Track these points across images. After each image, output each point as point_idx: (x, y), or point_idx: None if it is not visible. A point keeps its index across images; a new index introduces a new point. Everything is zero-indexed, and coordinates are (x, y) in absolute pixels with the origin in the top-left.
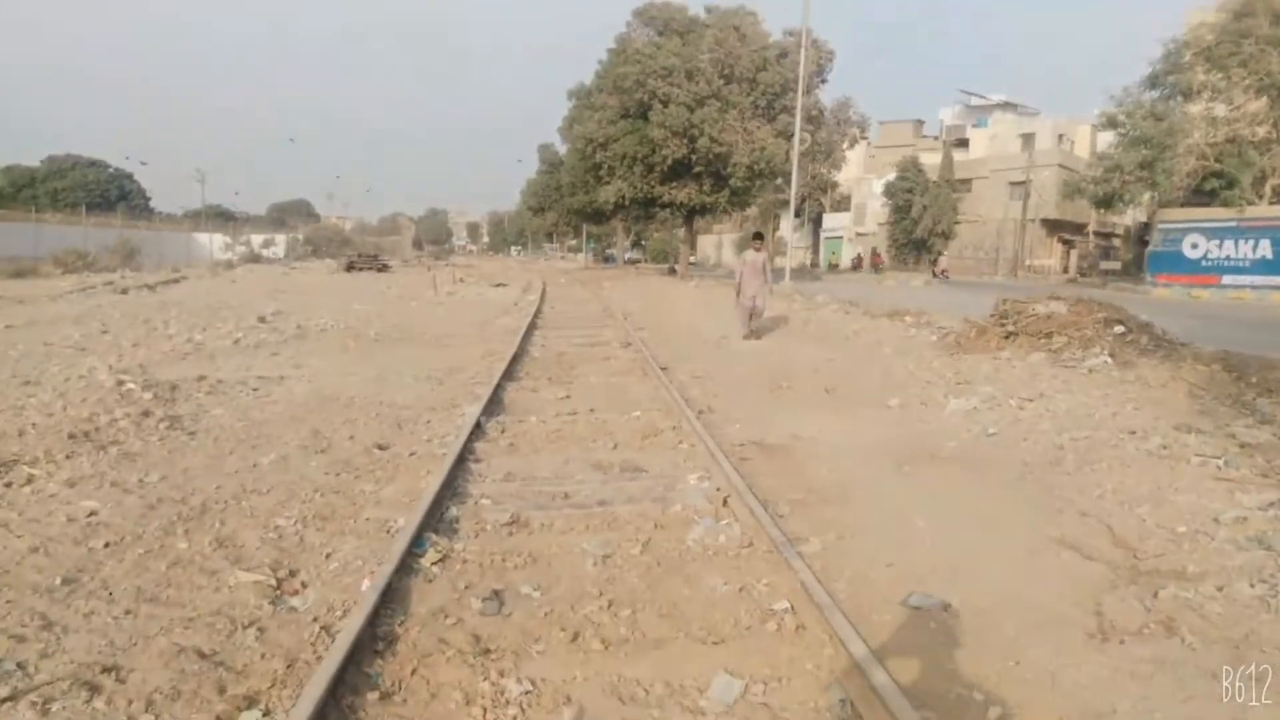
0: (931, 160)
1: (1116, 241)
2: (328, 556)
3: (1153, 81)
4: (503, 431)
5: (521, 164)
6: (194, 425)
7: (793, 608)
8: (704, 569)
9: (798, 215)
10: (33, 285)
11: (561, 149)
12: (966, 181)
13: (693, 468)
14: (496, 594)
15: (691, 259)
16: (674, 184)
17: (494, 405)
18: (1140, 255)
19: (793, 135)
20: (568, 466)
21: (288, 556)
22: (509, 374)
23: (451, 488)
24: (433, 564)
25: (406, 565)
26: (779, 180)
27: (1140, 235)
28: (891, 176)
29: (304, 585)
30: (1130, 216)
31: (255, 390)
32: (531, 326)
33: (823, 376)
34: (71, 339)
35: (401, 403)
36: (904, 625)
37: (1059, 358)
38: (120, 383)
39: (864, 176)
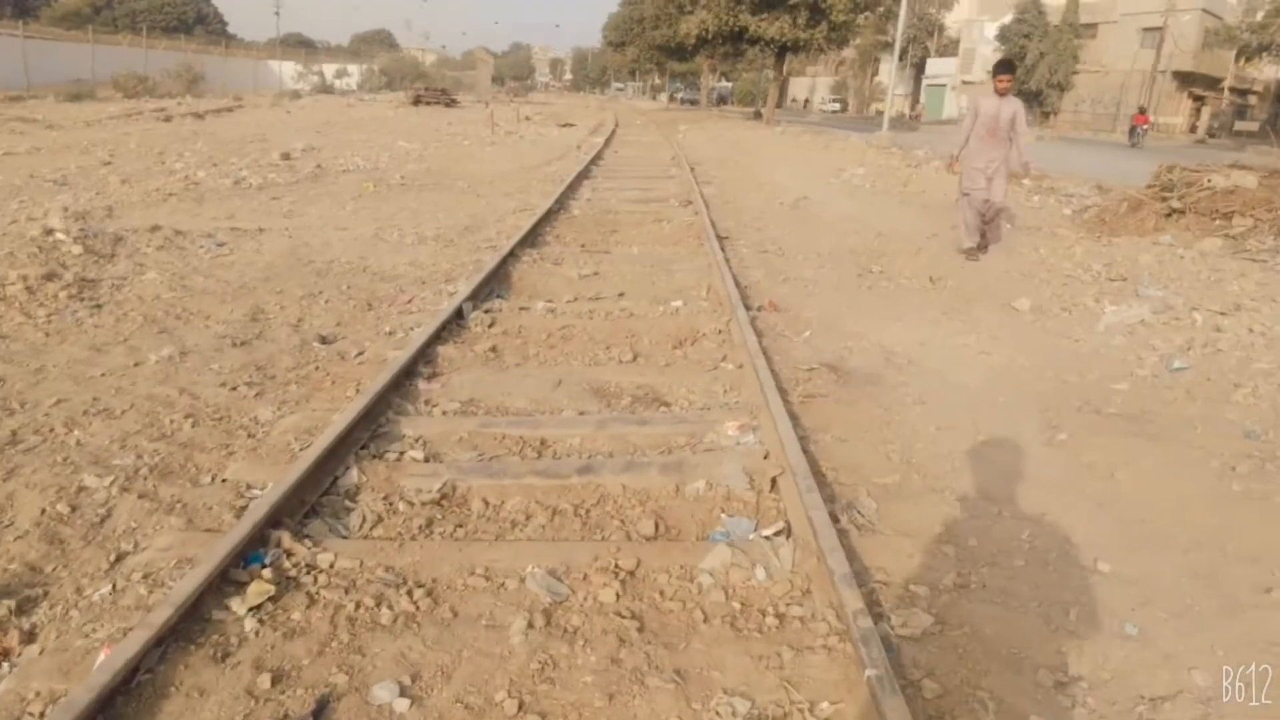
0: (1055, 2)
1: (1253, 99)
2: (92, 579)
3: None
4: (490, 325)
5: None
6: (107, 295)
7: None
8: (718, 655)
9: (900, 59)
10: (81, 108)
11: None
12: (1092, 27)
13: (734, 407)
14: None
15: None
16: (764, 16)
17: (496, 281)
18: (1277, 114)
19: None
20: (558, 392)
21: (50, 563)
22: (533, 236)
23: (374, 422)
24: (249, 611)
25: (196, 614)
26: (881, 12)
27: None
28: (1008, 19)
29: (31, 636)
30: (1270, 73)
31: (221, 246)
32: (584, 175)
33: (926, 259)
34: (64, 170)
35: (388, 270)
36: None
37: (1240, 246)
38: (49, 231)
39: (976, 19)
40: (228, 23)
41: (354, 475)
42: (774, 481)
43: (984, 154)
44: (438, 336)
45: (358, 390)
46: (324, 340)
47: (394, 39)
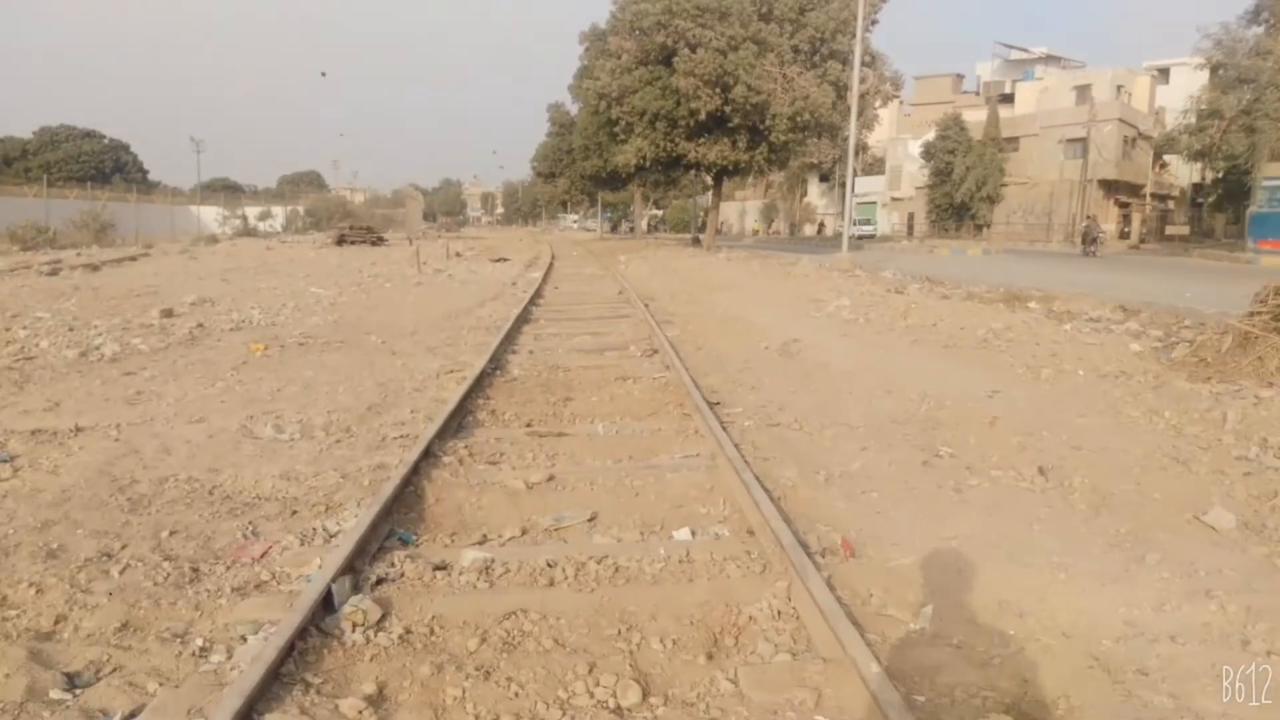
0: (974, 118)
1: (1171, 204)
2: None
3: (1256, 15)
4: (379, 626)
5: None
6: None
7: None
8: None
9: (826, 180)
10: None
11: (573, 108)
12: (1014, 140)
13: None
14: None
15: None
16: (703, 140)
17: (401, 508)
18: (1198, 218)
19: (837, 82)
20: None
21: None
22: (460, 415)
23: None
24: None
25: None
26: (817, 138)
27: (1194, 198)
28: (931, 136)
29: None
30: (1185, 177)
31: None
32: (523, 318)
33: (1006, 432)
34: None
35: (245, 491)
36: None
37: None
38: None
39: (898, 137)
40: (148, 170)
41: None
42: None
43: None
44: (275, 675)
45: None
46: (71, 684)
47: (323, 179)
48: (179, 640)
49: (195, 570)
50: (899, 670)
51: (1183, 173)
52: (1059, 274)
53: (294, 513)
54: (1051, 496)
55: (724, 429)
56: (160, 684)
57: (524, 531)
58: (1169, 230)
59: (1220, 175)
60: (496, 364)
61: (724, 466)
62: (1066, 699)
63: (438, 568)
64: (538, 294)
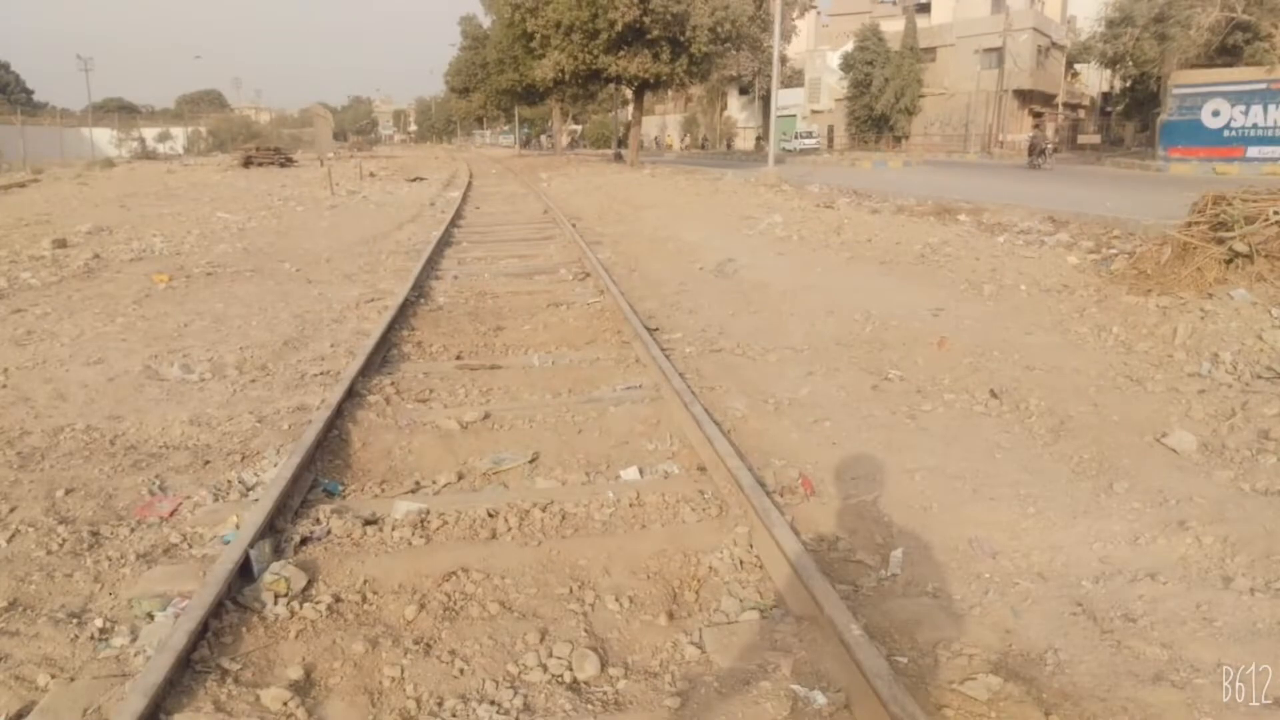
0: (892, 29)
1: (1082, 113)
2: None
3: None
4: (304, 594)
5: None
6: None
7: None
8: None
9: (745, 93)
10: None
11: (486, 20)
12: (931, 50)
13: None
14: None
15: None
16: (622, 53)
17: (324, 455)
18: (1106, 126)
19: None
20: None
21: None
22: (385, 347)
23: None
24: None
25: None
26: (736, 50)
27: (1103, 107)
28: (849, 47)
29: None
30: (1095, 87)
31: None
32: (445, 241)
33: (955, 349)
34: None
35: (152, 439)
36: None
37: None
38: None
39: (817, 49)
40: (33, 91)
41: None
42: None
43: None
44: (186, 663)
45: None
46: None
47: (224, 99)
48: (75, 621)
49: (95, 534)
50: (877, 627)
51: (1092, 81)
52: (981, 184)
53: (206, 463)
54: (1009, 421)
55: (666, 357)
56: (52, 676)
57: (460, 477)
58: (1080, 140)
59: (1129, 84)
60: (420, 291)
61: (669, 398)
62: (1055, 653)
63: (368, 522)
64: (458, 215)
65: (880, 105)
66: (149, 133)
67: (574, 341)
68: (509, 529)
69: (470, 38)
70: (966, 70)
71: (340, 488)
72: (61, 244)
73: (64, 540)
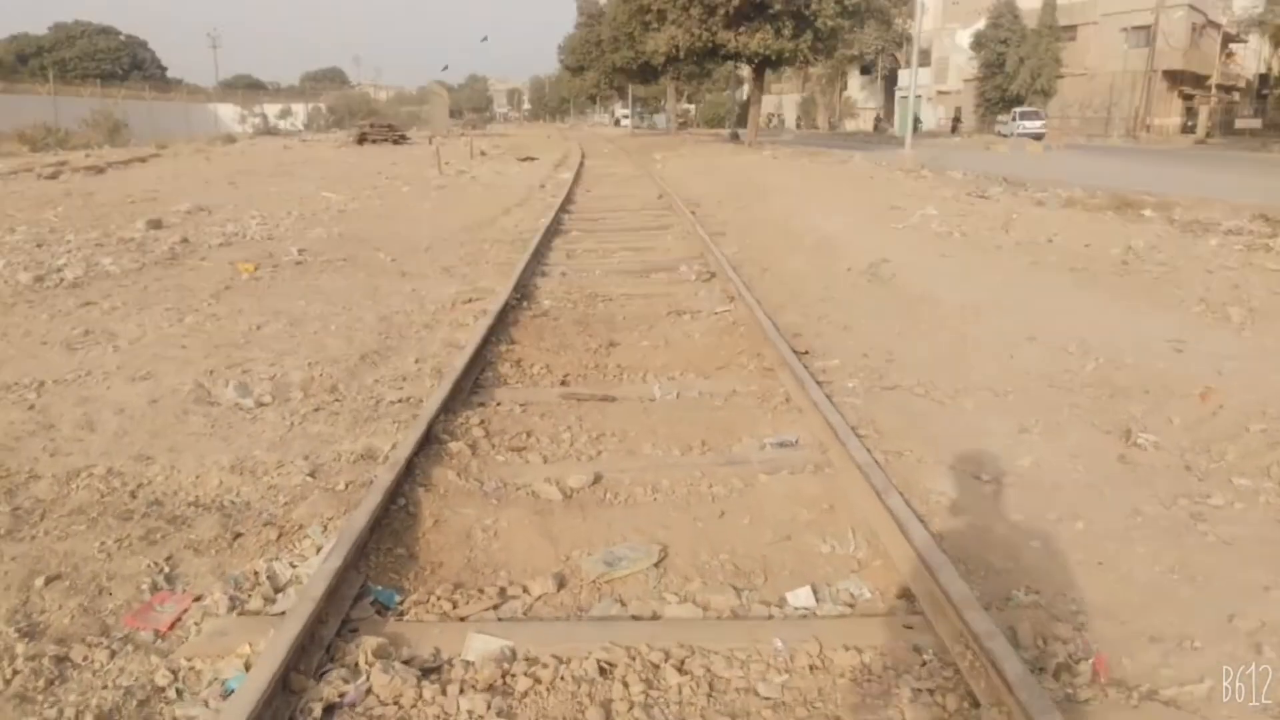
0: (1027, 6)
1: (1236, 95)
2: None
3: None
4: None
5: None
6: None
7: None
8: None
9: (867, 72)
10: None
11: None
12: (1071, 29)
13: None
14: None
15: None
16: (744, 28)
17: (381, 548)
18: (1263, 110)
19: None
20: None
21: None
22: (477, 367)
23: None
24: None
25: None
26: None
27: (1260, 89)
28: (981, 25)
29: None
30: (1252, 68)
31: None
32: (553, 229)
33: (1228, 405)
34: None
35: (180, 492)
36: None
37: None
38: None
39: (945, 26)
40: (166, 68)
41: None
42: None
43: None
44: None
45: None
46: None
47: (346, 77)
48: None
49: (61, 662)
50: None
51: (1250, 63)
52: (1147, 172)
53: (236, 538)
54: None
55: (827, 397)
56: None
57: (561, 585)
58: (1238, 124)
59: None
60: (523, 291)
61: (841, 465)
62: None
63: (426, 671)
64: (569, 199)
65: (1014, 86)
66: (271, 109)
67: (702, 365)
68: (628, 703)
69: (586, 14)
70: (1111, 49)
71: (397, 598)
72: (156, 225)
73: (15, 674)
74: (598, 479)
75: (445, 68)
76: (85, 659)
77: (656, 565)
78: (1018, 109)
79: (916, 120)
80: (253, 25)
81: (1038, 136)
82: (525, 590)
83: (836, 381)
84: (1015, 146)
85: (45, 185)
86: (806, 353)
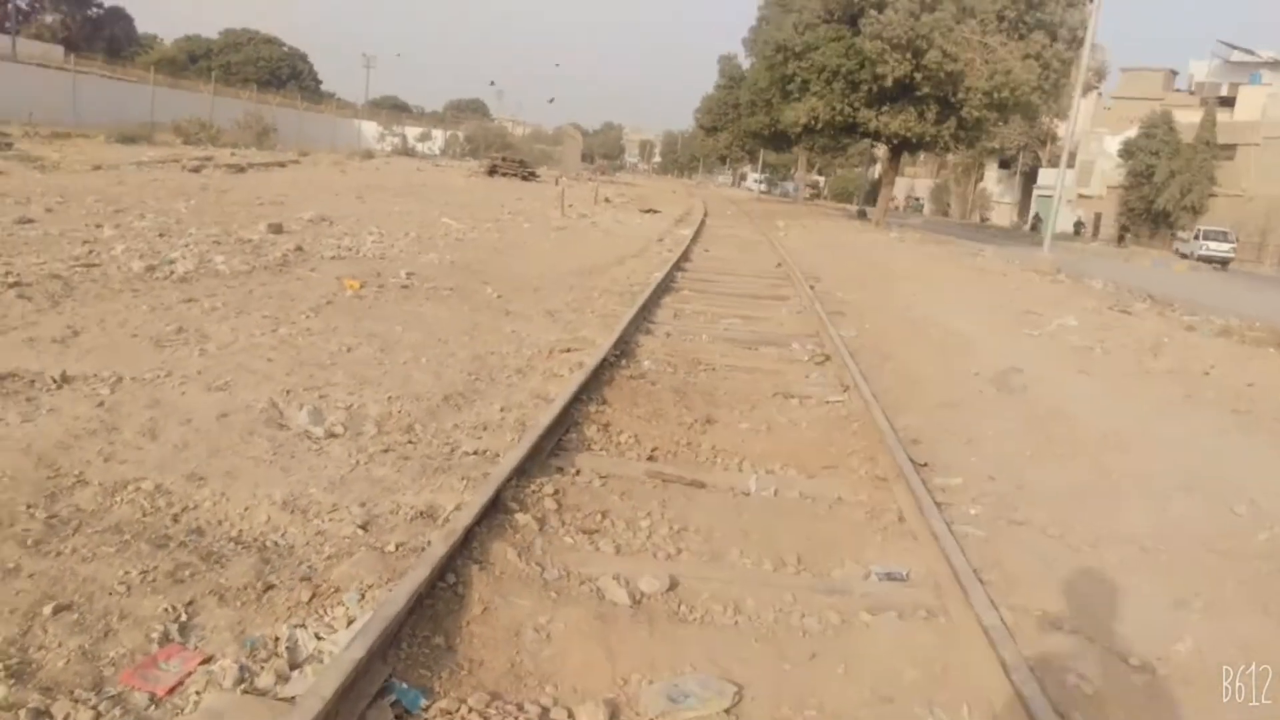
0: (1184, 120)
1: None
2: None
3: None
4: None
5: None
6: None
7: None
8: None
9: (1006, 166)
10: (119, 150)
11: (746, 62)
12: (1230, 148)
13: None
14: None
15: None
16: (885, 108)
17: (417, 634)
18: None
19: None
20: None
21: None
22: (562, 427)
23: None
24: None
25: None
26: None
27: None
28: (1133, 133)
29: None
30: None
31: None
32: (665, 286)
33: None
34: None
35: (218, 533)
36: None
37: None
38: None
39: (1094, 130)
40: (321, 81)
41: None
42: None
43: None
44: None
45: None
46: None
47: (487, 109)
48: None
49: (41, 716)
50: None
51: None
52: None
53: (267, 589)
54: None
55: (947, 527)
56: None
57: (613, 716)
58: None
59: None
60: (623, 348)
61: (961, 619)
62: None
63: None
64: (685, 255)
65: (1162, 200)
66: (412, 131)
67: (807, 461)
68: None
69: (727, 76)
70: (1272, 173)
71: (422, 703)
72: (276, 229)
73: None
74: (673, 585)
75: (551, 100)
76: (66, 718)
77: (728, 712)
78: (1201, 226)
79: (1078, 225)
80: (408, 51)
81: (1224, 262)
82: (570, 716)
83: (957, 505)
84: (1157, 261)
85: (186, 178)
86: (926, 465)
